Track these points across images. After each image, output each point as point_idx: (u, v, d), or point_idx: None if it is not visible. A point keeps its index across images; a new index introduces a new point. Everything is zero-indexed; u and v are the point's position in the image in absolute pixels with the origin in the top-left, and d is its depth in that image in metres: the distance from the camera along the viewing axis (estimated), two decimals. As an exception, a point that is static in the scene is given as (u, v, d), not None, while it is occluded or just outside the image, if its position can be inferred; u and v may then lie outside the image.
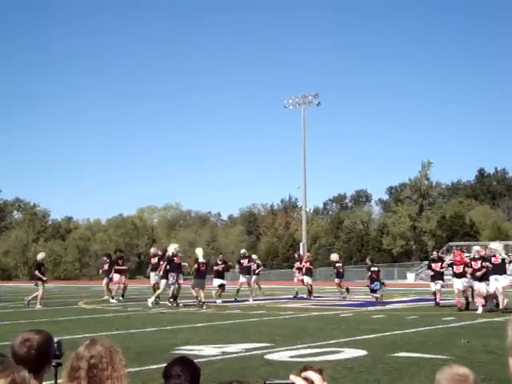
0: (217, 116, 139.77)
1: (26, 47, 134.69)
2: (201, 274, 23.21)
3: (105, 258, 28.76)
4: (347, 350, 11.78)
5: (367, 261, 26.02)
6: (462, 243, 51.82)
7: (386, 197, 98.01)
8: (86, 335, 13.31)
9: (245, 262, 27.91)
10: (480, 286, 19.78)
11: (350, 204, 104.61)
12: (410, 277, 60.21)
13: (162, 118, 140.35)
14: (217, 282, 25.37)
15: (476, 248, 21.21)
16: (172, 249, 24.12)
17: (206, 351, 11.66)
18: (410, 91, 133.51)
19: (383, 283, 24.21)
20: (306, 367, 4.02)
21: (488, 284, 19.58)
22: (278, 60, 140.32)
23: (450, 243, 62.01)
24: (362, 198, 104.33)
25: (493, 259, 19.88)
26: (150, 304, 23.09)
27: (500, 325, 15.83)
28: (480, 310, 19.44)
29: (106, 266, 27.59)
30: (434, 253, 23.61)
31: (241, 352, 11.68)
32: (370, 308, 21.36)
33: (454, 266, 21.07)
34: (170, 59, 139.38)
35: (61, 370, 4.39)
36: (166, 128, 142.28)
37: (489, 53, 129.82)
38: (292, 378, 1.47)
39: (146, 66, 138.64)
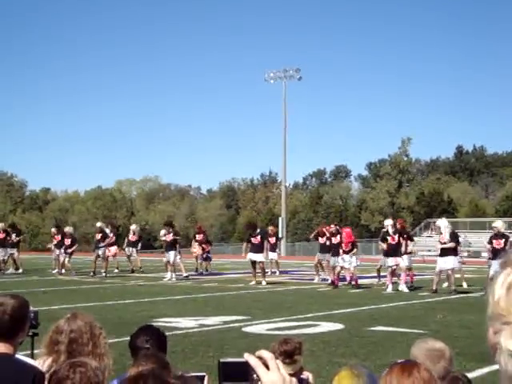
0: (197, 89, 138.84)
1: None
2: None
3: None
4: (324, 323, 11.86)
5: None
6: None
7: (365, 173, 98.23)
8: (63, 306, 13.27)
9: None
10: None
11: (329, 179, 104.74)
12: (388, 252, 60.55)
13: (143, 91, 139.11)
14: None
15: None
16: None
17: (183, 323, 11.68)
18: (391, 67, 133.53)
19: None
20: (286, 340, 4.04)
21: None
22: (260, 34, 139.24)
23: (428, 219, 62.48)
24: (341, 173, 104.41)
25: (440, 237, 18.86)
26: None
27: (475, 300, 16.03)
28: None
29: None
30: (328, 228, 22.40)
31: (218, 324, 11.72)
32: (346, 282, 21.47)
33: (343, 244, 20.32)
34: (152, 36, 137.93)
35: (37, 341, 4.36)
36: (146, 100, 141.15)
37: (468, 32, 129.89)
38: (246, 356, 1.44)
39: (127, 44, 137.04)
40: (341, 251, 20.27)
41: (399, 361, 2.49)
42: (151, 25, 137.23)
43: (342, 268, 20.58)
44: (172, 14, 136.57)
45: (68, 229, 27.38)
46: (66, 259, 25.71)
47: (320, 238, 23.24)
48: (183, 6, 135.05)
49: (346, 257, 20.16)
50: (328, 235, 22.30)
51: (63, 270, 25.67)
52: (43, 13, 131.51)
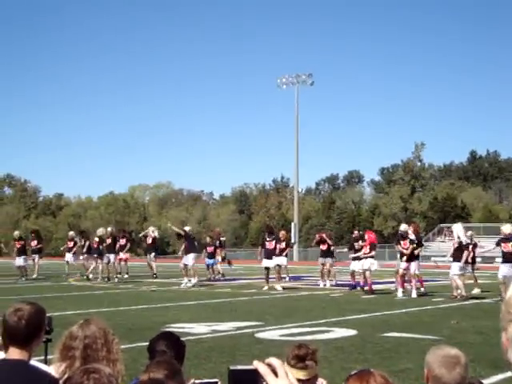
0: (210, 95, 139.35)
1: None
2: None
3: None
4: (337, 329, 11.81)
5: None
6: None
7: (378, 178, 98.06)
8: (76, 312, 13.30)
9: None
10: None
11: (342, 184, 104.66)
12: (401, 258, 60.24)
13: (155, 96, 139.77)
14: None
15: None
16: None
17: (196, 329, 11.66)
18: (404, 73, 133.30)
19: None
20: (301, 345, 4.02)
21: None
22: (272, 40, 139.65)
23: (442, 225, 62.23)
24: (354, 178, 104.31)
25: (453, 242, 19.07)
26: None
27: (489, 306, 15.92)
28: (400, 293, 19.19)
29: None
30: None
31: (231, 330, 11.69)
32: (359, 288, 21.38)
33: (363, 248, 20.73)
34: (165, 42, 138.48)
35: (51, 346, 4.36)
36: (158, 106, 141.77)
37: (481, 38, 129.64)
38: (255, 363, 1.48)
39: (140, 46, 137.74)
40: (361, 254, 20.54)
41: (353, 372, 2.59)
42: (166, 31, 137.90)
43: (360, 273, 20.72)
44: (186, 19, 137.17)
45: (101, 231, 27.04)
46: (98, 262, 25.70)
47: (322, 245, 23.40)
48: (196, 12, 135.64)
49: (368, 261, 20.24)
50: (329, 241, 23.03)
51: (100, 276, 25.40)
52: (61, 17, 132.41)
